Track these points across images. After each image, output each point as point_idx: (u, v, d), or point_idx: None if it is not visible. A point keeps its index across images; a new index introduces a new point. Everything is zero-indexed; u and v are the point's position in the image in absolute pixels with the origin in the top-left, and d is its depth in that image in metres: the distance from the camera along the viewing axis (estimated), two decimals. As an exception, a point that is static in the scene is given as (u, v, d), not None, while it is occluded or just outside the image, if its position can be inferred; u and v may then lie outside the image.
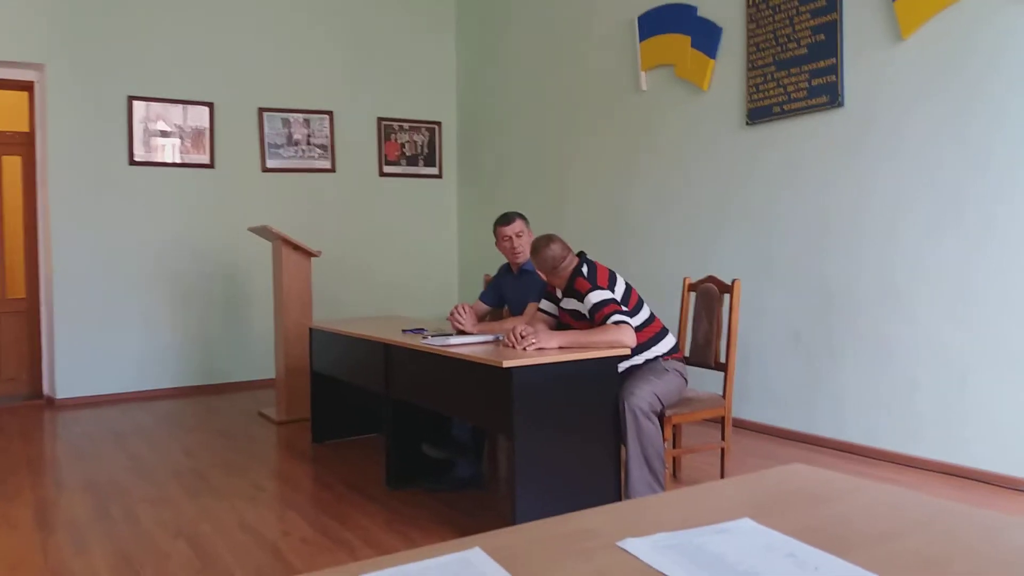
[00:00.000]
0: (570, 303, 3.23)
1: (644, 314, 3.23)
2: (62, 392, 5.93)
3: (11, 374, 6.15)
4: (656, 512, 1.15)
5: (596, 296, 3.07)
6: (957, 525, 1.05)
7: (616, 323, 2.99)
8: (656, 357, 3.21)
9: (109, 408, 5.78)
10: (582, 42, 6.00)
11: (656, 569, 0.90)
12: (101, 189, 6.05)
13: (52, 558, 2.85)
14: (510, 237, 3.70)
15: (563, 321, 3.31)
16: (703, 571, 0.90)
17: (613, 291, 3.12)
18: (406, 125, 7.42)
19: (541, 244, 3.20)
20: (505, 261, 3.91)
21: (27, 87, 6.03)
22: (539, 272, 3.35)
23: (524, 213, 3.85)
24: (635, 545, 0.97)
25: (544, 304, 3.40)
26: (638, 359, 3.18)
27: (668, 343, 3.27)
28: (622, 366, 3.10)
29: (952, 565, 0.92)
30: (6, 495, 3.63)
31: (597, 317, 3.04)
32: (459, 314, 3.60)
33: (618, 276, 3.24)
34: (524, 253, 3.68)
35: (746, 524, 1.05)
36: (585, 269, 3.17)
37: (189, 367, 6.40)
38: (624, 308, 3.09)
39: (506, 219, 3.72)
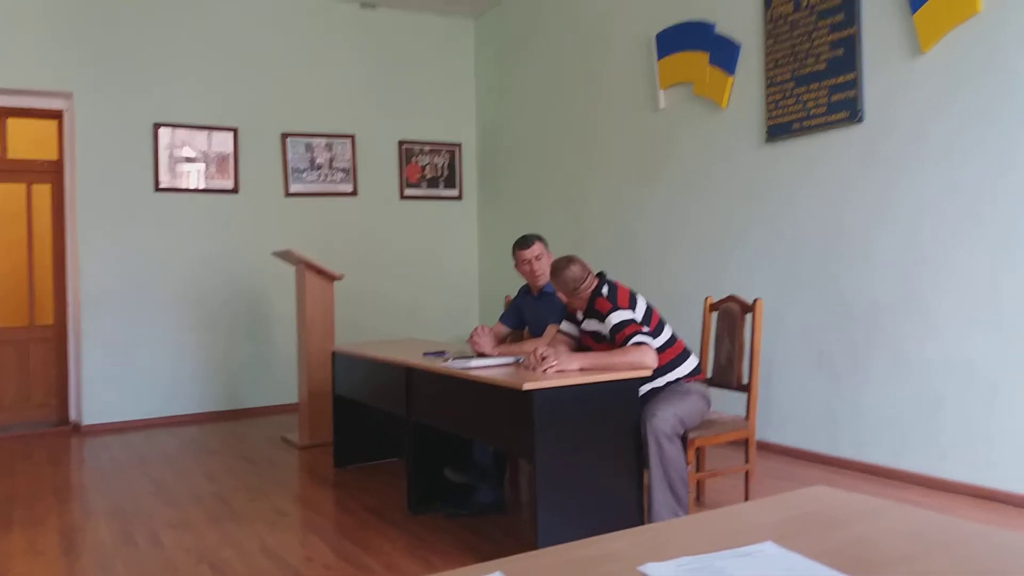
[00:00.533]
0: (591, 324, 3.21)
1: (665, 335, 3.20)
2: (88, 418, 5.99)
3: (40, 400, 6.23)
4: (678, 536, 1.14)
5: (617, 317, 3.05)
6: (981, 548, 1.03)
7: (637, 344, 2.96)
8: (678, 379, 3.18)
9: (134, 434, 5.83)
10: (600, 61, 6.03)
11: (677, 595, 0.89)
12: (127, 216, 6.15)
13: (77, 584, 2.87)
14: (529, 260, 3.70)
15: (584, 343, 3.29)
16: (725, 597, 0.89)
17: (634, 312, 3.10)
18: (426, 148, 7.48)
19: (560, 266, 3.18)
20: (525, 282, 3.91)
21: (56, 116, 6.18)
22: (559, 294, 3.34)
23: (543, 233, 3.85)
24: (657, 569, 0.96)
25: (565, 325, 3.38)
26: (660, 381, 3.14)
27: (690, 364, 3.24)
28: (644, 388, 3.06)
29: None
30: (33, 521, 3.66)
31: (618, 338, 3.02)
32: (479, 336, 3.60)
33: (639, 296, 3.22)
34: (544, 275, 3.67)
35: (769, 548, 1.03)
36: (605, 290, 3.15)
37: (213, 392, 6.45)
38: (645, 329, 3.07)
39: (525, 242, 3.72)
